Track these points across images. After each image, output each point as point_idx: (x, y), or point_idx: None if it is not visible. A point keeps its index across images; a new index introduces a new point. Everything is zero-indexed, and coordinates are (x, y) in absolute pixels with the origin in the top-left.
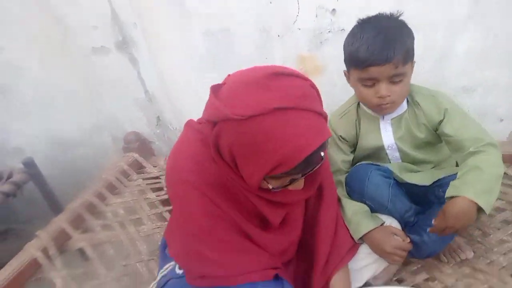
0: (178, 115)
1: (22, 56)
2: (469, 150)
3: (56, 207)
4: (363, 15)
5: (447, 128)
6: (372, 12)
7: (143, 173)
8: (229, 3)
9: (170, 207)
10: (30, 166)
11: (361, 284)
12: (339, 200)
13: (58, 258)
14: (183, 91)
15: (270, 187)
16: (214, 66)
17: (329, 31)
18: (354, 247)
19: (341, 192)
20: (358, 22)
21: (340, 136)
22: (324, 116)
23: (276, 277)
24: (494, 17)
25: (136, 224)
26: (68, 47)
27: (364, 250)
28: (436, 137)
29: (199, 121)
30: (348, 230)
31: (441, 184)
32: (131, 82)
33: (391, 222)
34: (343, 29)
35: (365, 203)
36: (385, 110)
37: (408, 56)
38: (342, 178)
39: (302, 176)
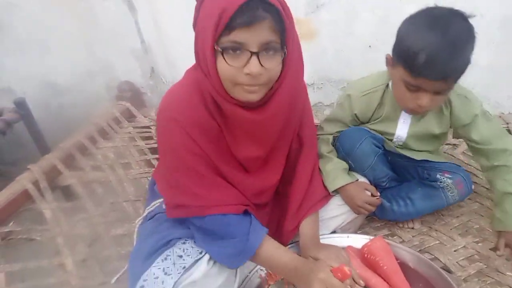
0: (171, 69)
1: None
2: (492, 164)
3: (44, 150)
4: None
5: (474, 134)
6: None
7: (134, 122)
8: None
9: (158, 155)
10: (21, 106)
11: (328, 232)
12: (321, 155)
13: (48, 191)
14: (179, 45)
15: (228, 65)
16: None
17: None
18: (326, 197)
19: (325, 149)
20: (425, 13)
21: (355, 114)
22: None
23: (245, 213)
24: None
25: (125, 168)
26: None
27: (334, 202)
28: (446, 134)
29: (194, 67)
30: (322, 181)
31: (427, 167)
32: (128, 31)
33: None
34: None
35: (347, 161)
36: (415, 113)
37: (461, 74)
38: (330, 138)
39: (252, 54)
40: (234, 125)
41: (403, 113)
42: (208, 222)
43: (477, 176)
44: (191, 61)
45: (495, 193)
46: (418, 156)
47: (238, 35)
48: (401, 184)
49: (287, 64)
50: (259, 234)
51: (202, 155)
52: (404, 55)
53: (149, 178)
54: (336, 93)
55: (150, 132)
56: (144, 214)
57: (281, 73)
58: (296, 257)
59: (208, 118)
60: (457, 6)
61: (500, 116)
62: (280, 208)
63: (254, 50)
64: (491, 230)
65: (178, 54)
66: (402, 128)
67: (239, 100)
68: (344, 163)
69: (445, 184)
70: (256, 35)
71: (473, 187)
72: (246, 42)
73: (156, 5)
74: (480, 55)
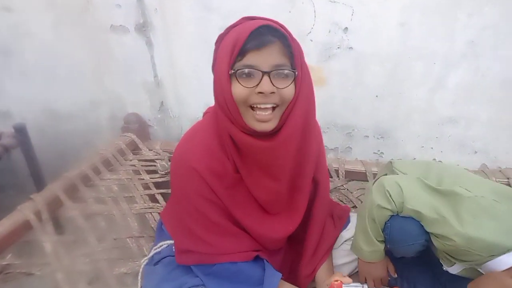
0: (180, 104)
1: (33, 20)
2: None
3: (38, 178)
4: (371, 37)
5: None
6: (379, 36)
7: (139, 154)
8: (250, 6)
9: (163, 190)
10: (21, 132)
11: None
12: (363, 214)
13: (49, 223)
14: (190, 82)
15: (242, 86)
16: None
17: (338, 47)
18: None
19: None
20: None
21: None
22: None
23: (257, 259)
24: (485, 58)
25: (128, 201)
26: (86, 20)
27: (347, 247)
28: None
29: (212, 111)
30: (334, 223)
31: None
32: (143, 65)
33: None
34: (351, 47)
35: (384, 242)
36: None
37: None
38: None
39: (263, 74)
40: (249, 160)
41: None
42: (217, 271)
43: None
44: (200, 98)
45: None
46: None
47: (250, 59)
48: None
49: (298, 88)
50: (274, 280)
51: (218, 203)
52: None
53: (153, 214)
54: (341, 138)
55: (155, 166)
56: (150, 255)
57: (293, 97)
58: None
59: (226, 163)
60: (461, 67)
61: (500, 171)
62: (294, 252)
63: (266, 70)
64: None
65: (188, 91)
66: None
67: (254, 131)
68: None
69: None
70: (267, 57)
71: None
72: (258, 64)
73: (173, 43)
74: (481, 111)
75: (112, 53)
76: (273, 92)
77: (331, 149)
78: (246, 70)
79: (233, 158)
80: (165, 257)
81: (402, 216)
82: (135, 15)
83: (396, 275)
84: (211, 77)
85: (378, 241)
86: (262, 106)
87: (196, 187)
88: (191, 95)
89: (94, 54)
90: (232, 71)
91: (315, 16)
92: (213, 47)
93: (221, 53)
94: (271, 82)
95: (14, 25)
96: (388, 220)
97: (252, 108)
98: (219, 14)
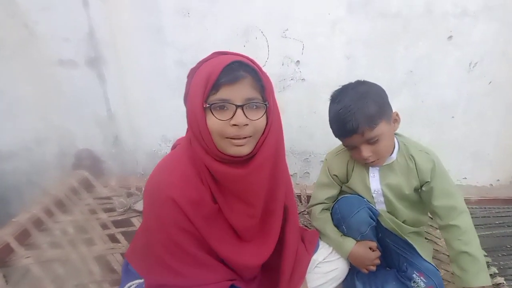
0: (135, 137)
1: None
2: (446, 223)
3: None
4: (321, 69)
5: (431, 192)
6: (328, 68)
7: (93, 192)
8: (206, 40)
9: (123, 229)
10: None
11: None
12: (319, 226)
13: None
14: (145, 114)
15: (217, 119)
16: (181, 95)
17: (291, 79)
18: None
19: (324, 217)
20: (330, 97)
21: (334, 175)
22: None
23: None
24: (424, 85)
25: (87, 243)
26: (30, 54)
27: (320, 270)
28: (418, 194)
29: (185, 141)
30: (305, 247)
31: (409, 259)
32: (94, 99)
33: None
34: (303, 79)
35: (340, 226)
36: (373, 165)
37: (373, 121)
38: (325, 206)
39: (236, 108)
40: (225, 189)
41: (370, 168)
42: None
43: (437, 244)
44: (156, 130)
45: (450, 251)
46: (404, 232)
47: (223, 93)
48: (381, 268)
49: (271, 118)
50: None
51: (194, 233)
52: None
53: (115, 255)
54: (299, 164)
55: (112, 203)
56: None
57: (265, 126)
58: None
59: (203, 192)
60: (403, 94)
61: None
62: (268, 280)
63: (239, 103)
64: None
65: (143, 123)
66: (374, 181)
67: (230, 156)
68: (338, 231)
69: (417, 287)
70: (239, 91)
71: None
72: (231, 98)
73: (126, 76)
74: (423, 133)
75: (60, 88)
76: (246, 124)
77: (291, 175)
78: (220, 104)
79: (209, 186)
80: None
81: (343, 196)
82: (85, 49)
83: (378, 248)
84: (168, 109)
85: (340, 234)
86: (236, 139)
87: (172, 217)
88: (147, 127)
89: (39, 89)
90: (207, 105)
91: (268, 50)
92: (169, 79)
93: (194, 86)
94: (245, 114)
95: None
96: (336, 203)
97: (227, 138)
98: (174, 48)
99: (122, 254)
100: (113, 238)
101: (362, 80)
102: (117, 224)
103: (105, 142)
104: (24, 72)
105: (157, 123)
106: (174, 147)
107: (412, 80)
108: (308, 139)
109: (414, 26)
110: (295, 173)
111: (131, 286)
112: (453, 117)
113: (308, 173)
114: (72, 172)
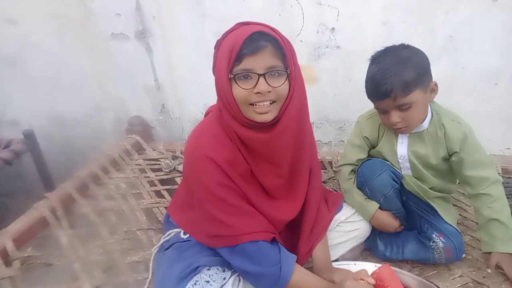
0: (180, 106)
1: (37, 31)
2: (477, 192)
3: (48, 182)
4: (356, 36)
5: (461, 163)
6: (364, 34)
7: (143, 154)
8: (243, 11)
9: (167, 186)
10: (29, 137)
11: (334, 258)
12: (347, 187)
13: (64, 219)
14: (188, 84)
15: (241, 88)
16: None
17: (326, 47)
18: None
19: (350, 179)
20: (370, 57)
21: (365, 136)
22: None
23: (273, 241)
24: (465, 51)
25: (136, 198)
26: (88, 29)
27: (342, 229)
28: (447, 164)
29: (216, 109)
30: (328, 207)
31: (430, 221)
32: (143, 70)
33: None
34: (338, 46)
35: (363, 189)
36: (401, 131)
37: (407, 87)
38: (354, 168)
39: (259, 76)
40: (253, 151)
41: (400, 134)
42: (240, 250)
43: (466, 211)
44: (198, 99)
45: (480, 218)
46: (428, 197)
47: (246, 63)
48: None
49: (293, 84)
50: (290, 262)
51: (233, 187)
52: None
53: (160, 208)
54: (334, 133)
55: (159, 164)
56: (160, 243)
57: (288, 93)
58: (323, 280)
59: (236, 153)
60: (443, 61)
61: None
62: (291, 234)
63: (261, 72)
64: (483, 261)
65: (187, 93)
66: (402, 147)
67: (256, 122)
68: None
69: (435, 246)
70: (261, 60)
71: (463, 256)
72: (253, 67)
73: (171, 48)
74: (463, 103)
75: (114, 60)
76: (269, 91)
77: (325, 143)
78: (244, 74)
79: (241, 150)
80: (174, 243)
81: (366, 159)
82: (134, 23)
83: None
84: (208, 79)
85: (365, 198)
86: (261, 104)
87: (212, 175)
88: (190, 97)
89: (97, 62)
90: (232, 76)
91: (303, 18)
92: (209, 50)
93: (220, 58)
94: (267, 82)
95: (19, 36)
96: (359, 167)
97: (252, 105)
98: (213, 20)
99: (165, 208)
100: (158, 194)
101: (407, 44)
102: (163, 182)
103: (154, 110)
104: (83, 46)
105: (199, 93)
106: (206, 114)
107: (453, 46)
108: (343, 108)
109: None
110: (330, 141)
111: (170, 233)
112: (496, 84)
113: (342, 141)
114: (126, 137)
